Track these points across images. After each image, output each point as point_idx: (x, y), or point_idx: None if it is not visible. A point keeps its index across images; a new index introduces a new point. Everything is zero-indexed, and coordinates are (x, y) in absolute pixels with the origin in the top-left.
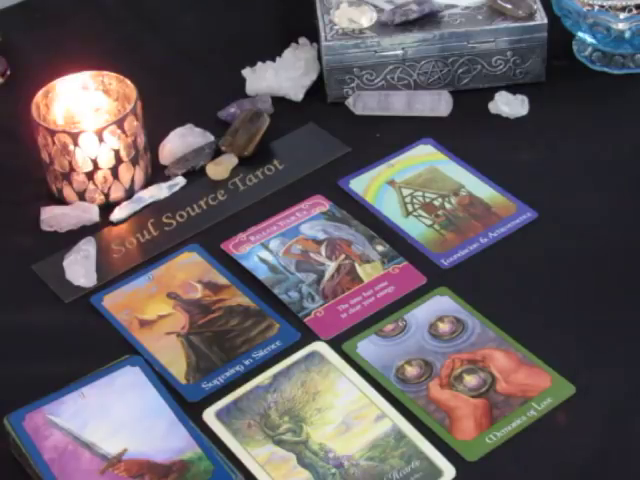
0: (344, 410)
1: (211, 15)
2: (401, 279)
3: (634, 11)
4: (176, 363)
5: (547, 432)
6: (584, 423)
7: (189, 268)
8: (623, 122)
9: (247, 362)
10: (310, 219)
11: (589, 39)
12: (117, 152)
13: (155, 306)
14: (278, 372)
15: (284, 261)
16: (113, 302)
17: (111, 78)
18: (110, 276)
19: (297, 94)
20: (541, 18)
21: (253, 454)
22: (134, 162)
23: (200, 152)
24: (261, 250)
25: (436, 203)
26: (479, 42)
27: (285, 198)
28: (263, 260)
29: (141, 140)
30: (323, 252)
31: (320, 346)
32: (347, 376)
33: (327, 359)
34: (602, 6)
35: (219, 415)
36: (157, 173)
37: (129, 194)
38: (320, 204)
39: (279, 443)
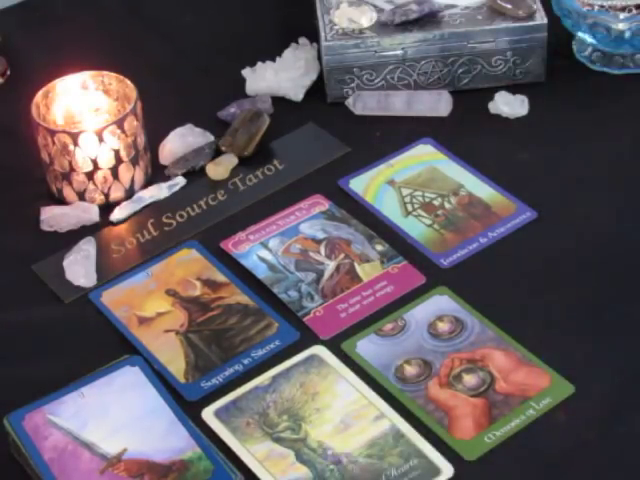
0: (343, 410)
1: (211, 15)
2: (400, 279)
3: (634, 11)
4: (175, 362)
5: (546, 432)
6: (583, 423)
7: (188, 265)
8: (623, 122)
9: (246, 361)
10: (309, 218)
11: (589, 39)
12: (117, 152)
13: (154, 303)
14: (277, 373)
15: (283, 260)
16: (112, 298)
17: (111, 78)
18: (110, 276)
19: (297, 94)
20: (541, 18)
21: (252, 451)
22: (134, 162)
23: (200, 152)
24: (260, 249)
25: (436, 203)
26: (479, 42)
27: (285, 198)
28: (262, 259)
29: (141, 140)
30: (322, 251)
31: (319, 349)
32: (346, 378)
33: (326, 362)
34: (602, 6)
35: (218, 414)
36: (157, 173)
37: (129, 194)
38: (319, 203)
39: (277, 440)
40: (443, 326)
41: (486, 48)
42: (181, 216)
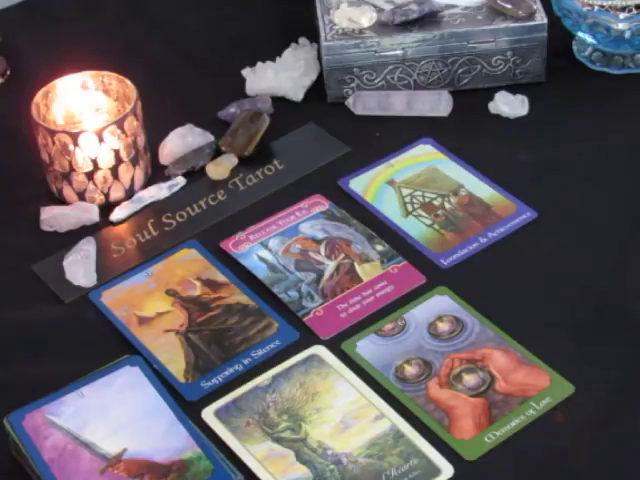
0: (343, 410)
1: (211, 15)
2: (400, 279)
3: (634, 11)
4: (175, 361)
5: (546, 431)
6: (583, 422)
7: (188, 265)
8: (623, 122)
9: (246, 361)
10: (309, 218)
11: (589, 39)
12: (117, 152)
13: (154, 303)
14: (277, 373)
15: (283, 260)
16: (112, 298)
17: (111, 78)
18: (110, 276)
19: (297, 94)
20: (541, 18)
21: (252, 451)
22: (134, 162)
23: (200, 152)
24: (260, 249)
25: (436, 203)
26: (479, 42)
27: (285, 198)
28: (262, 259)
29: (141, 140)
30: (322, 251)
31: (319, 349)
32: (346, 378)
33: (326, 362)
34: (602, 6)
35: (218, 414)
36: (157, 173)
37: (129, 194)
38: (319, 203)
39: (277, 440)
40: (443, 326)
41: (486, 48)
42: (181, 216)
